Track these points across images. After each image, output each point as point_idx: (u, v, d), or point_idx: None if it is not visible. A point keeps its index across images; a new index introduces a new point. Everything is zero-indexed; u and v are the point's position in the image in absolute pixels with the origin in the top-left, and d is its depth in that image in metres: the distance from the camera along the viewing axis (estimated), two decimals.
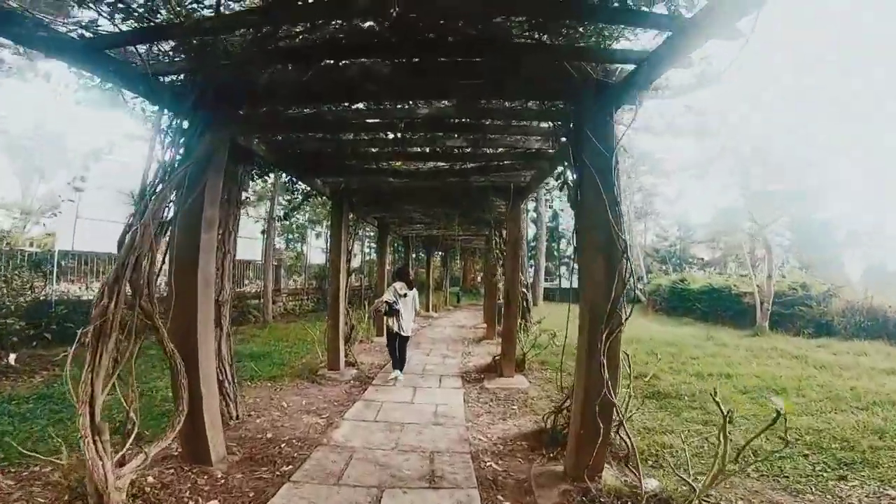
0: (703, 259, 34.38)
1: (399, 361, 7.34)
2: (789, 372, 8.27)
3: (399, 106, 4.58)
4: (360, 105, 4.61)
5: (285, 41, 3.23)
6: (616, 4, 2.81)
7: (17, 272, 8.96)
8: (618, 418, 3.38)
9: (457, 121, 4.97)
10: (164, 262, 3.55)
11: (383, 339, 9.01)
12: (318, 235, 23.53)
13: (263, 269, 16.20)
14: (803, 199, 18.33)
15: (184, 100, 3.40)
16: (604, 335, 3.37)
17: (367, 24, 3.04)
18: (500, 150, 5.78)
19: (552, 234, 34.76)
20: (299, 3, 2.83)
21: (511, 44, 3.24)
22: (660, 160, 27.72)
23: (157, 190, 3.19)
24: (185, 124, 3.48)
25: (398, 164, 6.79)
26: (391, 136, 5.57)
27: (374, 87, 3.78)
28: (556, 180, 4.63)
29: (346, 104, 4.59)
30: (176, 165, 3.31)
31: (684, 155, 38.32)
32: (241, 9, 2.99)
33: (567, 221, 36.94)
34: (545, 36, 3.21)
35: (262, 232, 16.20)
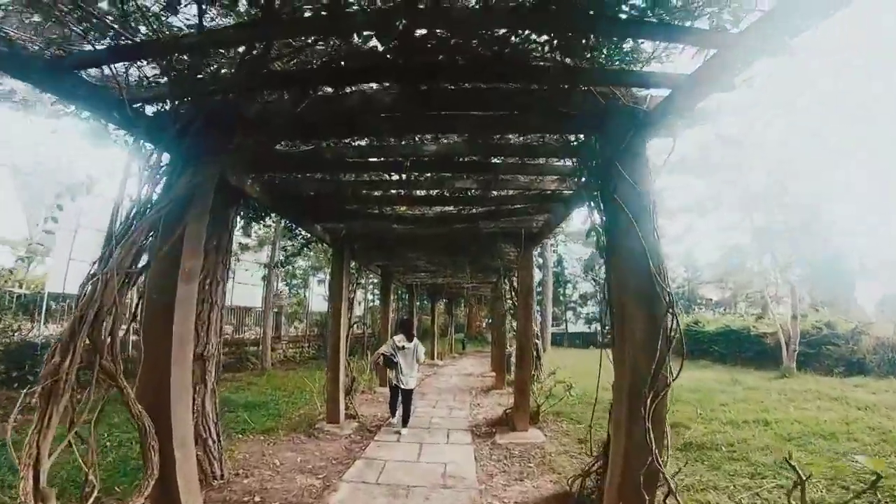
0: (711, 299, 33.61)
1: (403, 416, 6.84)
2: (832, 415, 7.61)
3: (403, 142, 4.20)
4: (362, 141, 4.23)
5: (278, 63, 2.87)
6: (652, 19, 2.46)
7: (2, 314, 9.15)
8: (666, 487, 2.78)
9: (466, 159, 4.58)
10: (134, 315, 3.06)
11: (387, 390, 8.47)
12: (319, 282, 23.04)
13: (263, 315, 15.72)
14: (814, 233, 17.96)
15: (164, 130, 2.98)
16: (648, 399, 2.80)
17: (369, 45, 2.68)
18: (513, 192, 5.35)
19: (558, 279, 34.64)
20: (292, 17, 2.47)
21: (530, 67, 2.87)
22: (663, 198, 27.30)
23: (127, 234, 2.74)
24: (166, 158, 3.08)
25: (403, 208, 6.39)
26: (395, 177, 5.19)
27: (376, 119, 3.41)
28: (583, 224, 4.15)
29: (346, 140, 4.21)
30: (151, 206, 2.88)
31: (689, 192, 38.07)
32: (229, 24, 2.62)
33: (572, 266, 36.82)
34: (568, 59, 2.85)
35: (263, 278, 15.78)
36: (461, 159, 4.54)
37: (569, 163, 4.58)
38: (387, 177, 5.20)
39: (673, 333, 2.87)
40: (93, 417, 2.52)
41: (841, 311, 18.23)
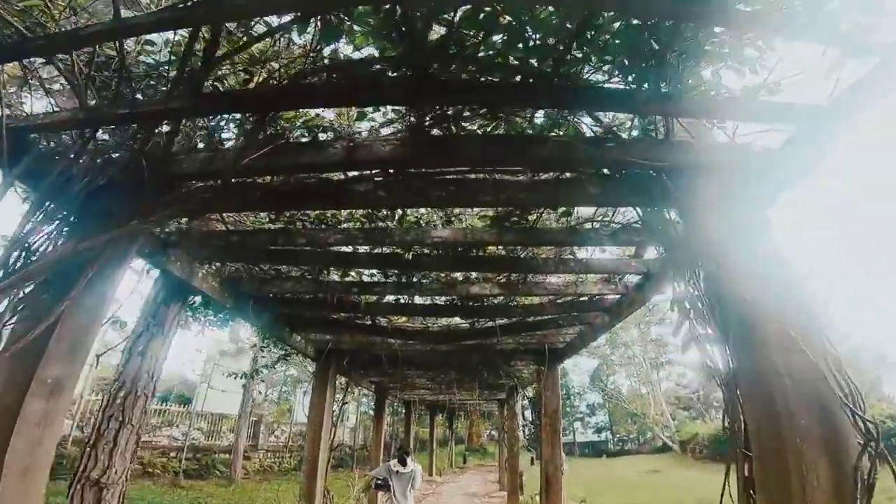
0: None
1: None
2: None
3: (404, 225, 2.96)
4: (348, 223, 3.00)
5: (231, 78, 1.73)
6: None
7: None
8: None
9: (487, 251, 3.32)
10: None
11: None
12: (305, 393, 20.93)
13: (238, 424, 15.05)
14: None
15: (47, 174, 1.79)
16: None
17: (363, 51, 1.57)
18: (543, 298, 4.02)
19: (567, 391, 34.71)
20: None
21: (597, 90, 1.73)
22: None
23: None
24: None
25: (401, 319, 4.99)
26: (392, 278, 3.89)
27: (369, 184, 2.23)
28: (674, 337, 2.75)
29: (327, 221, 2.98)
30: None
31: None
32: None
33: (579, 378, 35.38)
34: (645, 84, 1.72)
35: (244, 385, 13.91)
36: (479, 252, 3.26)
37: (617, 251, 3.31)
38: (381, 277, 3.89)
39: (873, 480, 1.39)
40: None
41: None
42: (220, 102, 2.08)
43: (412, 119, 2.36)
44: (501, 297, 4.07)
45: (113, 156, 2.33)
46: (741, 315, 1.76)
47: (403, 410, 15.29)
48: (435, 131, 2.27)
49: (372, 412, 14.25)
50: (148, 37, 2.19)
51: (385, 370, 7.06)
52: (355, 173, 2.66)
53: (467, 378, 7.64)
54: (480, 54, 1.86)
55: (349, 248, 3.43)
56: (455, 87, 1.91)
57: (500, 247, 3.30)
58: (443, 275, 3.80)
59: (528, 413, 10.32)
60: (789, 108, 1.88)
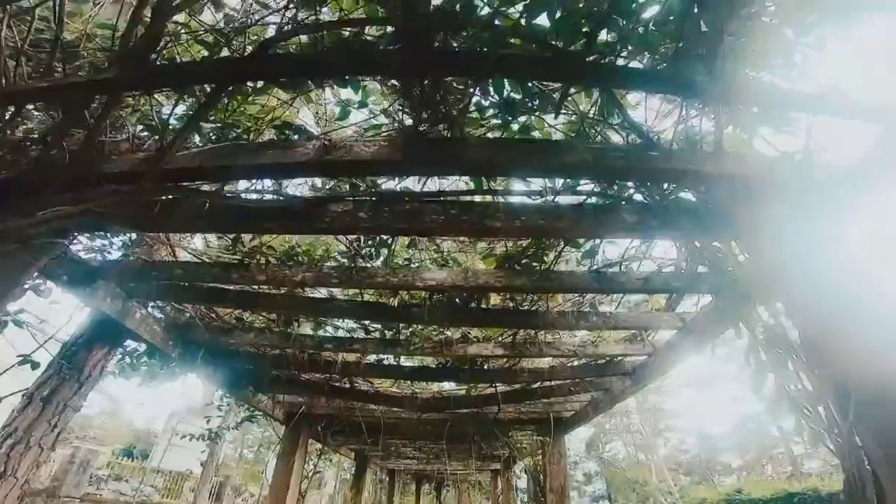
0: (730, 465, 29.47)
1: None
2: None
3: (388, 266, 2.32)
4: (324, 263, 2.34)
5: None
6: None
7: None
8: None
9: (492, 305, 2.66)
10: None
11: None
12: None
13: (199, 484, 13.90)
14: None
15: None
16: None
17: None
18: (554, 360, 3.30)
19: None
20: None
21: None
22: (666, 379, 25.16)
23: None
24: None
25: (385, 384, 4.20)
26: (374, 333, 3.17)
27: (346, 204, 1.66)
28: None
29: (296, 256, 2.32)
30: None
31: (691, 371, 36.03)
32: None
33: (575, 446, 33.29)
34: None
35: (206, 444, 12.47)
36: (481, 303, 2.59)
37: (641, 300, 2.66)
38: (361, 330, 3.17)
39: None
40: None
41: None
42: (167, 75, 1.52)
43: (406, 119, 1.83)
44: (505, 360, 3.35)
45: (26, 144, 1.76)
46: (855, 358, 1.17)
47: (387, 478, 13.69)
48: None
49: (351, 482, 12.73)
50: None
51: (367, 438, 6.09)
52: (329, 191, 2.08)
53: (459, 448, 6.62)
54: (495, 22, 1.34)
55: (322, 293, 2.77)
56: (460, 58, 1.37)
57: (506, 296, 2.65)
58: (435, 331, 3.11)
59: (526, 483, 9.10)
60: (874, 105, 1.38)
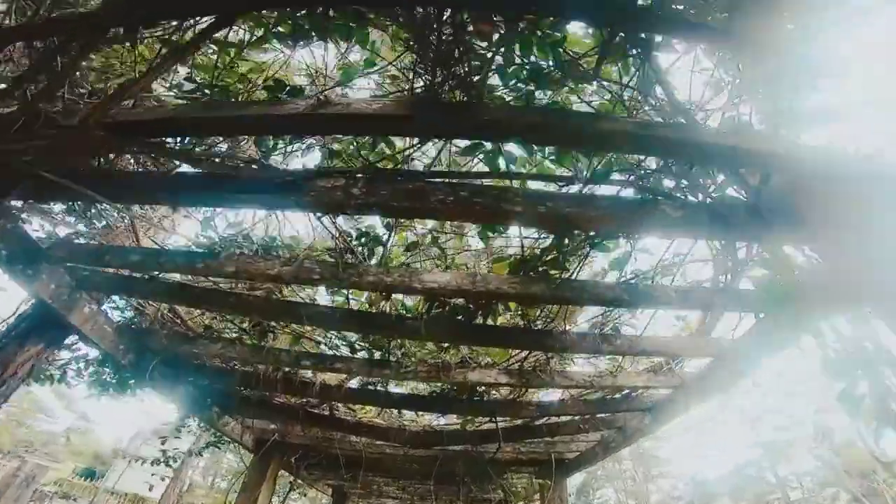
0: None
1: None
2: None
3: (382, 264, 1.93)
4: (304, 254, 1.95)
5: None
6: None
7: None
8: None
9: (493, 319, 2.25)
10: None
11: None
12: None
13: None
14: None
15: None
16: None
17: None
18: (564, 393, 2.85)
19: None
20: None
21: None
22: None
23: None
24: None
25: (370, 413, 3.70)
26: (361, 352, 2.73)
27: (337, 179, 1.46)
28: None
29: (272, 247, 1.93)
30: None
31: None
32: None
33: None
34: None
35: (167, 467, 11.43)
36: (487, 319, 2.18)
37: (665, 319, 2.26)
38: (347, 349, 2.73)
39: None
40: None
41: None
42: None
43: (417, 84, 1.50)
44: (509, 391, 2.90)
45: None
46: None
47: None
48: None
49: None
50: None
51: (346, 473, 5.45)
52: (318, 164, 1.74)
53: (448, 490, 5.95)
54: None
55: (301, 296, 2.36)
56: None
57: (517, 312, 2.25)
58: (431, 353, 2.68)
59: None
60: None
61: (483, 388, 2.90)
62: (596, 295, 1.88)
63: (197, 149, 1.65)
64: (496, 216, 1.55)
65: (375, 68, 1.68)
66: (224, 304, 2.22)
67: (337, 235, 1.90)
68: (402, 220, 2.21)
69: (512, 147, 1.66)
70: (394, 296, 2.31)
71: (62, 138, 1.38)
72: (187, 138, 1.71)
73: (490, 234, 1.92)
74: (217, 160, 1.63)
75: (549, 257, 1.98)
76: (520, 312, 2.20)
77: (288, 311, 2.20)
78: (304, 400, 3.21)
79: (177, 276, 2.39)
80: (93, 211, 2.38)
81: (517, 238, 2.00)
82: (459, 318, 2.17)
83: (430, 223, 2.27)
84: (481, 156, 1.74)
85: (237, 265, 1.88)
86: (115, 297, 2.55)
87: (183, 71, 1.90)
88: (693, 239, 1.86)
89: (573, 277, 1.93)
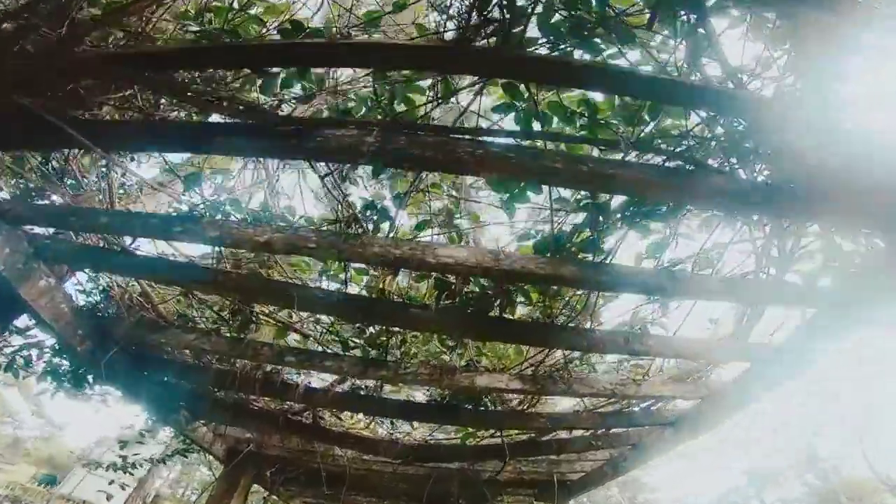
0: None
1: None
2: None
3: (391, 236, 1.68)
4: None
5: None
6: None
7: None
8: None
9: (509, 311, 1.99)
10: None
11: None
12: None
13: None
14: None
15: None
16: None
17: None
18: (578, 403, 2.57)
19: None
20: None
21: None
22: None
23: None
24: None
25: (358, 422, 3.36)
26: (355, 350, 2.44)
27: (350, 129, 1.26)
28: None
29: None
30: None
31: None
32: None
33: None
34: None
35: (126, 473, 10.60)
36: (505, 310, 1.93)
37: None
38: (339, 345, 2.43)
39: None
40: None
41: None
42: None
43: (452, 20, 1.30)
44: (518, 401, 2.62)
45: None
46: None
47: None
48: None
49: None
50: None
51: (325, 492, 5.00)
52: (327, 114, 1.51)
53: None
54: None
55: (287, 275, 2.08)
56: None
57: (539, 303, 2.00)
58: (432, 353, 2.41)
59: None
60: None
61: (489, 396, 2.61)
62: (636, 281, 1.65)
63: (196, 85, 1.41)
64: (531, 173, 1.33)
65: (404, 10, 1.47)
66: (204, 282, 1.93)
67: (340, 200, 1.65)
68: (412, 199, 1.96)
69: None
70: (398, 285, 2.05)
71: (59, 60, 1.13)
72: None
73: (517, 205, 1.70)
74: (214, 101, 1.38)
75: (580, 239, 1.76)
76: (542, 303, 1.95)
77: (276, 293, 1.92)
78: (286, 405, 2.88)
79: (154, 253, 2.10)
80: (67, 178, 2.10)
81: (543, 215, 1.78)
82: (472, 307, 1.91)
83: (442, 203, 2.03)
84: (512, 115, 1.53)
85: (221, 230, 1.61)
86: (82, 279, 2.24)
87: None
88: (740, 218, 1.67)
89: (611, 257, 1.70)
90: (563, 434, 2.87)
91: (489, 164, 1.29)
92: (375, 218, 1.79)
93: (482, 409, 2.63)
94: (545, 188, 1.68)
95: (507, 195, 1.71)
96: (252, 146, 1.37)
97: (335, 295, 1.93)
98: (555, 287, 1.85)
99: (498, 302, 1.91)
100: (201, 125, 1.34)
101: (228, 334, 2.37)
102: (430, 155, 1.27)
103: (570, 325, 1.97)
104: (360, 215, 1.74)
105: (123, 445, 3.84)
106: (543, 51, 1.43)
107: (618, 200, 1.73)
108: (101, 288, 2.34)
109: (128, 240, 2.04)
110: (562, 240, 1.74)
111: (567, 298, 1.91)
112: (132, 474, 4.05)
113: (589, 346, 1.92)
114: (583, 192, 1.71)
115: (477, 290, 1.95)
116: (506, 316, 1.96)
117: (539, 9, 1.36)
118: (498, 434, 2.87)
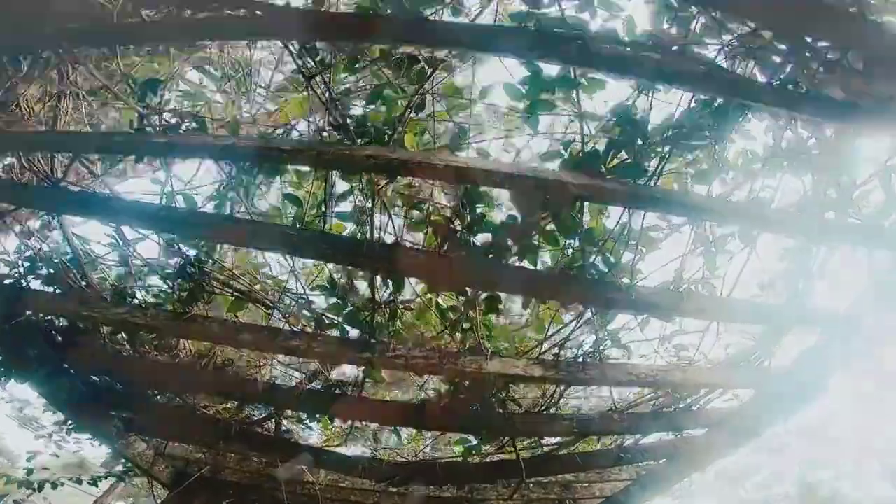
0: None
1: None
2: None
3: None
4: None
5: None
6: None
7: None
8: None
9: (535, 269, 1.61)
10: None
11: None
12: None
13: None
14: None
15: None
16: None
17: None
18: (624, 396, 2.10)
19: None
20: None
21: None
22: None
23: None
24: None
25: (331, 434, 2.82)
26: (334, 330, 1.98)
27: None
28: None
29: None
30: None
31: None
32: None
33: None
34: None
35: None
36: (529, 265, 1.54)
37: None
38: (312, 321, 1.97)
39: None
40: None
41: None
42: None
43: None
44: (532, 399, 2.16)
45: None
46: None
47: None
48: None
49: None
50: None
51: None
52: None
53: None
54: None
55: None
56: None
57: (564, 252, 1.62)
58: (428, 329, 1.97)
59: None
60: None
61: (498, 393, 2.13)
62: (692, 203, 1.31)
63: None
64: (569, 53, 1.01)
65: None
66: (140, 216, 1.50)
67: (326, 100, 1.29)
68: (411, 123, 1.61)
69: None
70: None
71: None
72: None
73: (541, 113, 1.37)
74: None
75: (616, 161, 1.43)
76: (570, 252, 1.57)
77: (228, 231, 1.50)
78: (238, 406, 2.33)
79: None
80: None
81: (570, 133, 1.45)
82: (488, 251, 1.52)
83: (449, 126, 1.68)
84: None
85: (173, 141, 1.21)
86: None
87: None
88: (790, 122, 1.38)
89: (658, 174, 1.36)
90: (583, 445, 2.38)
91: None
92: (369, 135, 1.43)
93: (488, 410, 2.14)
94: (574, 97, 1.37)
95: (528, 104, 1.39)
96: None
97: (306, 233, 1.52)
98: (588, 219, 1.48)
99: (516, 247, 1.53)
100: None
101: (171, 307, 1.90)
102: None
103: (605, 279, 1.59)
104: (349, 124, 1.37)
105: (31, 458, 3.13)
106: None
107: (655, 120, 1.44)
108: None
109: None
110: (595, 158, 1.40)
111: (602, 241, 1.54)
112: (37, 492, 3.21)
113: (631, 304, 1.53)
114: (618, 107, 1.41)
115: (490, 236, 1.57)
116: (529, 266, 1.56)
117: None
118: (502, 447, 2.36)
